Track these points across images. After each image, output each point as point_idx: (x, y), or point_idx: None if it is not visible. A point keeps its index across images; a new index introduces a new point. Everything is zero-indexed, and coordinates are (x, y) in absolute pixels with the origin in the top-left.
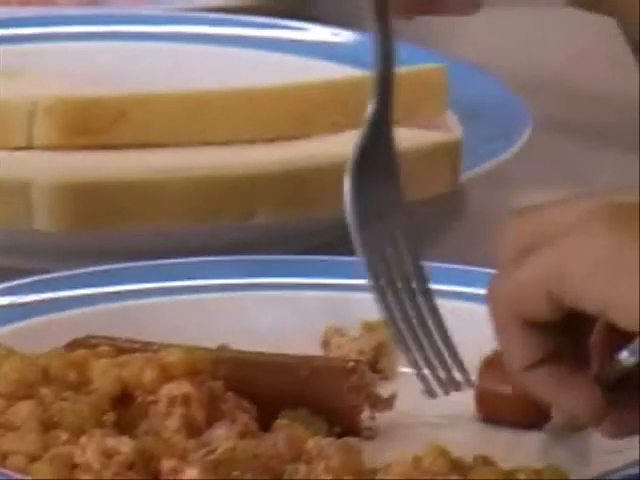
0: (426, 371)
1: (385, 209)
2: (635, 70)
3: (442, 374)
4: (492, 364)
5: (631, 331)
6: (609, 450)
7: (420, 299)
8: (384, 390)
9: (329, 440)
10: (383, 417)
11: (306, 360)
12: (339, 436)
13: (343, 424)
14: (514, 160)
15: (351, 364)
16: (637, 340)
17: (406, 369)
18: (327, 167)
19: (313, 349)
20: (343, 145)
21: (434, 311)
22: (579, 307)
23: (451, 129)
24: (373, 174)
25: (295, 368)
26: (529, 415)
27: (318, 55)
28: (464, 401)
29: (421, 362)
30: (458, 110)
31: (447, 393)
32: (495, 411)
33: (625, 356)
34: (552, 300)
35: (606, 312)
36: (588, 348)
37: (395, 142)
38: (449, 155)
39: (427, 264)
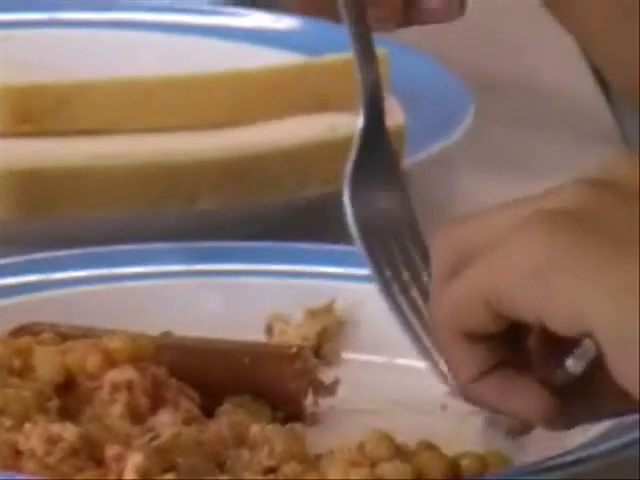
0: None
1: (389, 213)
2: (580, 63)
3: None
4: None
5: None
6: (549, 437)
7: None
8: (327, 376)
9: (273, 426)
10: (326, 403)
11: (249, 346)
12: (283, 422)
13: (287, 410)
14: (457, 146)
15: (294, 350)
16: (581, 346)
17: (349, 355)
18: (270, 153)
19: (257, 335)
20: (286, 132)
21: None
22: (517, 317)
23: (393, 115)
24: (373, 180)
25: (238, 354)
26: None
27: (260, 42)
28: (408, 387)
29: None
30: (400, 96)
31: None
32: None
33: (571, 363)
34: (490, 311)
35: (543, 320)
36: (530, 351)
37: (392, 148)
38: (392, 141)
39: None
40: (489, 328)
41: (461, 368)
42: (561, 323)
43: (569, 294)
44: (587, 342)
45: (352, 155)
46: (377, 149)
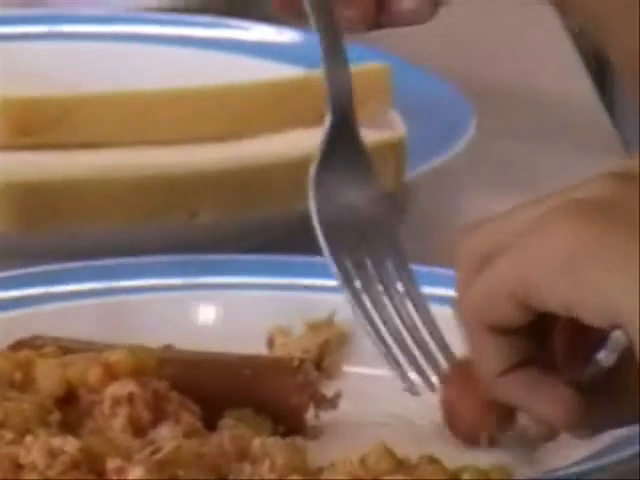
0: (405, 366)
1: (358, 210)
2: (583, 73)
3: (427, 368)
4: (457, 375)
5: (599, 328)
6: (551, 450)
7: (403, 300)
8: (329, 389)
9: (274, 439)
10: (328, 416)
11: (251, 359)
12: (284, 435)
13: (288, 423)
14: (459, 160)
15: (295, 363)
16: (612, 339)
17: (351, 368)
18: (271, 166)
19: (258, 349)
20: (287, 144)
21: (418, 308)
22: (545, 308)
23: (395, 128)
24: (340, 173)
25: (240, 368)
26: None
27: (262, 54)
28: (409, 401)
29: (399, 357)
30: (402, 109)
31: (432, 390)
32: (459, 423)
33: (603, 355)
34: (518, 304)
35: (573, 311)
36: (555, 349)
37: (362, 141)
38: (393, 154)
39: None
40: (515, 320)
41: (487, 362)
42: (590, 313)
43: (598, 284)
44: (617, 334)
45: (317, 158)
46: (346, 152)
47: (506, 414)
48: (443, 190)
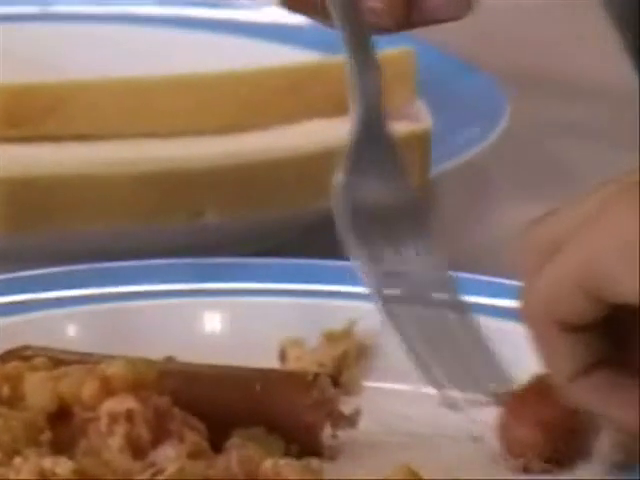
0: (443, 379)
1: (388, 211)
2: (626, 64)
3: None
4: (520, 401)
5: None
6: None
7: (442, 308)
8: (347, 406)
9: (287, 461)
10: (346, 435)
11: (261, 373)
12: (298, 456)
13: (302, 443)
14: (491, 155)
15: (310, 377)
16: None
17: (371, 383)
18: (283, 161)
19: (269, 362)
20: (302, 136)
21: (459, 315)
22: (615, 298)
23: (420, 118)
24: (369, 175)
25: (249, 382)
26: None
27: (273, 37)
28: (436, 419)
29: (435, 370)
30: (428, 98)
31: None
32: (521, 451)
33: None
34: (587, 296)
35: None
36: (631, 349)
37: (392, 139)
38: (417, 147)
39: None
40: (586, 315)
41: (558, 364)
42: None
43: None
44: None
45: (344, 160)
46: (374, 153)
47: (570, 440)
48: (472, 187)
